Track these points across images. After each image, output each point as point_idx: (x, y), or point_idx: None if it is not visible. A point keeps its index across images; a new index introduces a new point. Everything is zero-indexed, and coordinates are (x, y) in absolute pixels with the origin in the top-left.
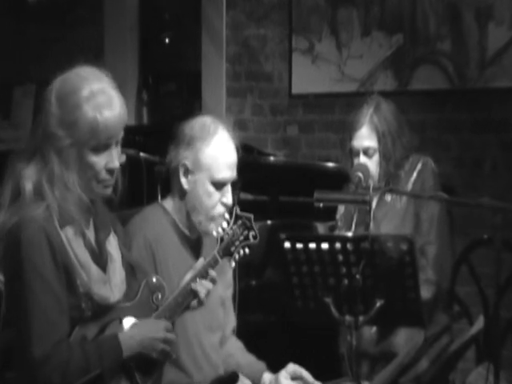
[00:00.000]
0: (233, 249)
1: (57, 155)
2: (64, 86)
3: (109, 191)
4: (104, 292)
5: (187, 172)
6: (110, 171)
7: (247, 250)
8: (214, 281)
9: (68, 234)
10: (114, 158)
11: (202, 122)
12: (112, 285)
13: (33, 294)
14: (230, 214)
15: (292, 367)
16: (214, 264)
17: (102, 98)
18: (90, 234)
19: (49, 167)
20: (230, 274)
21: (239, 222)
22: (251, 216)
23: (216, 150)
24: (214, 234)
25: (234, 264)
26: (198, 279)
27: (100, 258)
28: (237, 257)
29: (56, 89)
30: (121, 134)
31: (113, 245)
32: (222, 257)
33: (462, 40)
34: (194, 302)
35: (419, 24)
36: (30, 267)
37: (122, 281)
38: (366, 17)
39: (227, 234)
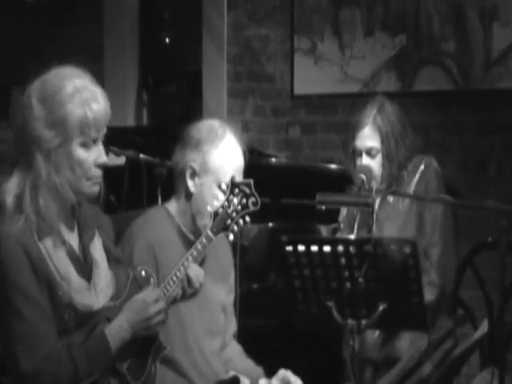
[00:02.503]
0: (229, 222)
1: (44, 158)
2: (45, 87)
3: (97, 189)
4: (87, 300)
5: (194, 174)
6: (100, 166)
7: (248, 219)
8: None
9: (47, 246)
10: (102, 152)
11: (209, 125)
12: (97, 291)
13: (16, 310)
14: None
15: (282, 373)
16: (207, 243)
17: (86, 92)
18: (74, 240)
19: (34, 174)
20: (232, 279)
21: (236, 190)
22: (250, 181)
23: (224, 154)
24: (209, 208)
25: (232, 237)
26: (190, 263)
27: (84, 265)
28: (235, 228)
29: (36, 92)
30: (104, 130)
31: (97, 248)
32: (216, 233)
33: (467, 41)
34: (188, 290)
35: (423, 24)
36: (11, 284)
37: (107, 285)
38: (369, 17)
39: (222, 207)
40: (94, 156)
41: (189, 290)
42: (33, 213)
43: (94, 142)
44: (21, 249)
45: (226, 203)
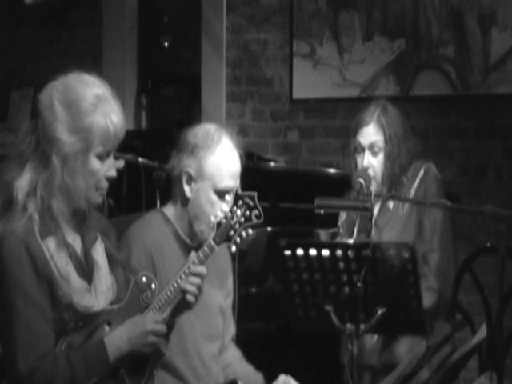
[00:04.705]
0: (232, 233)
1: (61, 161)
2: (68, 92)
3: (101, 199)
4: (87, 301)
5: (190, 180)
6: (109, 179)
7: (250, 232)
8: (201, 276)
9: (49, 245)
10: (113, 166)
11: (205, 130)
12: (97, 293)
13: (15, 309)
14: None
15: (283, 379)
16: (209, 252)
17: (108, 104)
18: (77, 242)
19: (49, 174)
20: (230, 283)
21: (240, 202)
22: (254, 194)
23: (220, 159)
24: (212, 219)
25: (234, 248)
26: (184, 276)
27: (85, 267)
28: (238, 240)
29: (58, 95)
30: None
31: (99, 252)
32: (218, 243)
33: (465, 45)
34: (189, 298)
35: (422, 29)
36: (12, 282)
37: (107, 288)
38: (368, 21)
39: (225, 217)
40: (106, 168)
41: (190, 300)
42: (37, 211)
43: (107, 154)
44: (23, 248)
45: (230, 214)
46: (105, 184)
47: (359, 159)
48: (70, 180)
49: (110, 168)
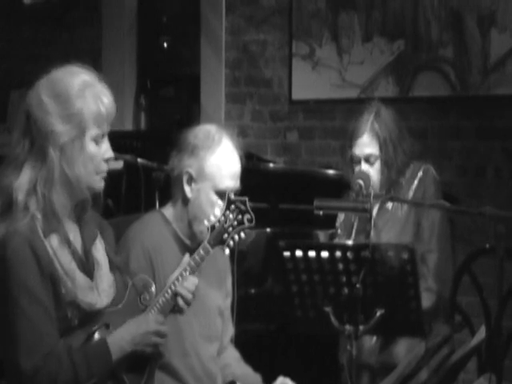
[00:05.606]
0: (225, 236)
1: (58, 153)
2: (54, 84)
3: (103, 184)
4: (91, 298)
5: (191, 180)
6: (107, 161)
7: (242, 235)
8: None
9: (53, 243)
10: (109, 147)
11: (206, 131)
12: (100, 290)
13: (19, 308)
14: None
15: (281, 380)
16: (205, 255)
17: (96, 87)
18: (77, 241)
19: (47, 169)
20: (229, 283)
21: (232, 206)
22: (245, 199)
23: (220, 160)
24: (206, 222)
25: (228, 251)
26: (181, 279)
27: (86, 265)
28: (231, 243)
29: (45, 89)
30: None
31: (99, 250)
32: (213, 246)
33: (465, 46)
34: (182, 302)
35: (421, 30)
36: (16, 281)
37: (109, 286)
38: (368, 22)
39: (218, 221)
40: (103, 151)
41: (181, 303)
42: (38, 209)
43: (103, 136)
44: (27, 247)
45: (223, 218)
46: (104, 167)
47: (356, 169)
48: (70, 169)
49: (106, 150)
